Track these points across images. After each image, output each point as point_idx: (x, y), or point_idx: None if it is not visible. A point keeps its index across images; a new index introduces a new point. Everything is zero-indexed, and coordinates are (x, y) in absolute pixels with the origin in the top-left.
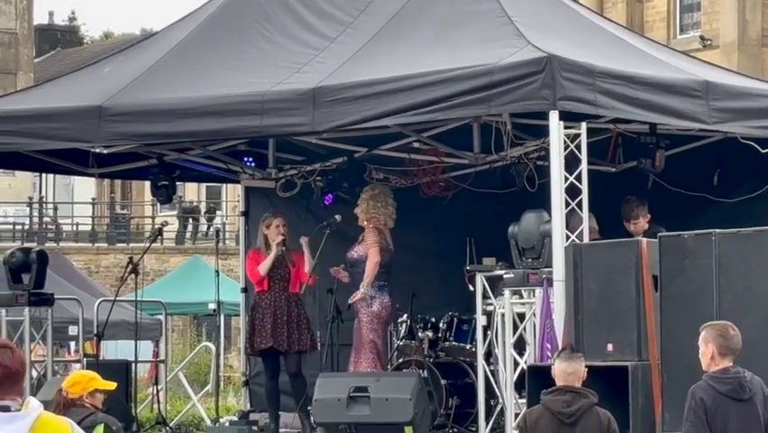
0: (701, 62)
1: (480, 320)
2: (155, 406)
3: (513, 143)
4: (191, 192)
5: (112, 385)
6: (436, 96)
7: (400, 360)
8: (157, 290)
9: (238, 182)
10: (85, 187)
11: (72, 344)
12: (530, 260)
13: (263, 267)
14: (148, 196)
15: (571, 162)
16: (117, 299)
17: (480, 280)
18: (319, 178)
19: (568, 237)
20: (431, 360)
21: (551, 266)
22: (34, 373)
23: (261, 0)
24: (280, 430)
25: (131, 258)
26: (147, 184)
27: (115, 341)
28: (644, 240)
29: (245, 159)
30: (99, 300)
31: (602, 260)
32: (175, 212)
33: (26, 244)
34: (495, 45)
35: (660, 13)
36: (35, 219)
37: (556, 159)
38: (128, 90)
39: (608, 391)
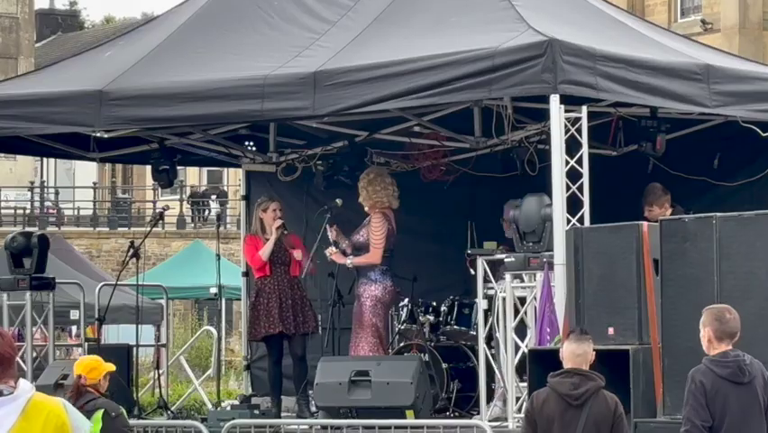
0: (702, 46)
1: (481, 304)
2: (156, 390)
3: (514, 127)
4: (192, 176)
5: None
6: (437, 80)
7: (401, 344)
8: (158, 275)
9: (239, 166)
10: (86, 171)
11: (73, 328)
12: (531, 243)
13: (264, 252)
14: (149, 180)
15: (572, 146)
16: (118, 283)
17: (480, 264)
18: (320, 162)
19: (569, 221)
20: (432, 344)
21: (552, 250)
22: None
23: None
24: (282, 414)
25: (132, 242)
26: (148, 168)
27: (117, 325)
28: (645, 223)
29: (246, 143)
30: (100, 285)
31: (603, 243)
32: (177, 196)
33: (27, 229)
34: (496, 29)
35: None
36: (36, 204)
37: (557, 142)
38: (129, 74)
39: (609, 375)
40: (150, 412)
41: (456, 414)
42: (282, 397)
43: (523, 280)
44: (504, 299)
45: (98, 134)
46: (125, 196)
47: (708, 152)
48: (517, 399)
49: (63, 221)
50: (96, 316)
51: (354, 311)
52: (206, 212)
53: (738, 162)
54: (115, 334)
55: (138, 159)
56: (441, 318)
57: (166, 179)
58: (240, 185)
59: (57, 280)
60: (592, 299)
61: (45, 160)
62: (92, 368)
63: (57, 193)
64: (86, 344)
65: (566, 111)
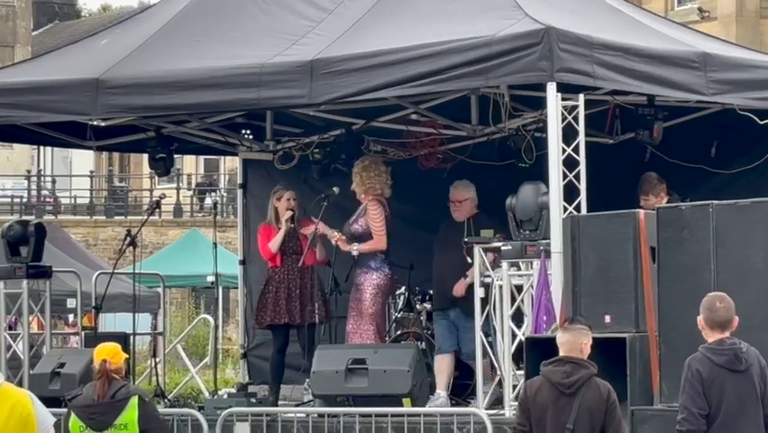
0: (699, 34)
1: (478, 292)
2: (153, 378)
3: (511, 115)
4: (189, 165)
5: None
6: (434, 69)
7: (398, 332)
8: (155, 263)
9: (236, 155)
10: (83, 159)
11: (70, 316)
12: (528, 232)
13: (274, 244)
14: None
15: (569, 134)
16: (115, 271)
17: (477, 252)
18: (317, 150)
19: (565, 209)
20: (429, 332)
21: (548, 238)
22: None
23: None
24: (279, 402)
25: (129, 231)
26: (145, 157)
27: (114, 313)
28: (642, 211)
29: (243, 131)
30: (97, 273)
31: (600, 231)
32: (174, 185)
33: (24, 217)
34: (492, 17)
35: None
36: (33, 192)
37: (554, 130)
38: (125, 63)
39: (605, 363)
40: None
41: (453, 402)
42: (280, 385)
43: (520, 269)
44: (501, 287)
45: (95, 123)
46: (122, 184)
47: (705, 140)
48: (514, 387)
49: (60, 209)
50: (93, 304)
51: (353, 299)
52: (209, 201)
53: (735, 150)
54: (112, 322)
55: (135, 147)
56: None
57: (163, 168)
58: (236, 173)
59: (54, 269)
60: (589, 287)
61: (42, 148)
62: (114, 353)
63: (54, 182)
64: (84, 332)
65: (563, 99)
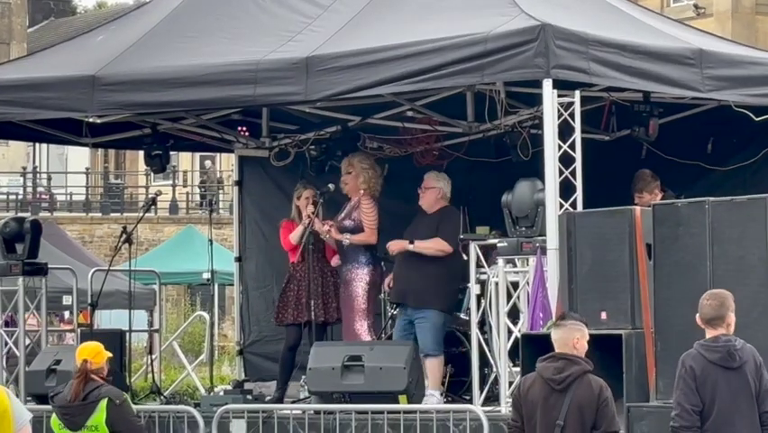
0: (695, 30)
1: (474, 289)
2: (149, 375)
3: (507, 112)
4: (185, 162)
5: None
6: (430, 65)
7: (394, 329)
8: (151, 260)
9: (232, 151)
10: (78, 156)
11: (66, 313)
12: (524, 228)
13: (294, 236)
14: (142, 165)
15: (565, 131)
16: (111, 268)
17: (473, 249)
18: (313, 147)
19: (561, 206)
20: None
21: (544, 235)
22: (28, 343)
23: None
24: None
25: (124, 228)
26: (141, 154)
27: (109, 311)
28: (638, 208)
29: (239, 128)
30: (93, 270)
31: (596, 228)
32: (169, 181)
33: (20, 214)
34: (488, 13)
35: None
36: (29, 189)
37: (550, 127)
38: (121, 59)
39: (601, 359)
40: (143, 398)
41: (449, 399)
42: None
43: (515, 265)
44: (497, 283)
45: (91, 119)
46: (118, 181)
47: (701, 136)
48: (510, 383)
49: (56, 206)
50: (89, 301)
51: (345, 296)
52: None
53: (732, 147)
54: (108, 319)
55: (131, 144)
56: None
57: (159, 165)
58: (233, 170)
59: (49, 266)
60: (585, 283)
61: (37, 145)
62: (96, 352)
63: (49, 179)
64: (79, 329)
65: (559, 96)
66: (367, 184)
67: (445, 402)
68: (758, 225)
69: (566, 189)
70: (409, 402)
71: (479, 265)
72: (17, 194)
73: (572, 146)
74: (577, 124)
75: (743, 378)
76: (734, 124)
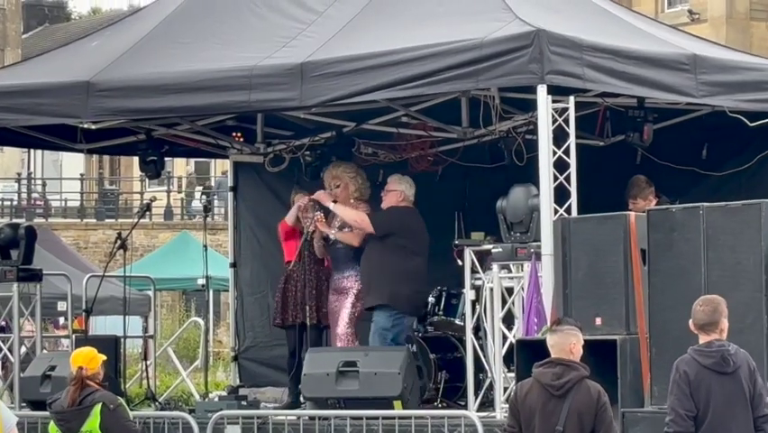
0: (689, 36)
1: (469, 295)
2: (144, 381)
3: (501, 118)
4: (180, 167)
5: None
6: (424, 71)
7: None
8: (146, 266)
9: (227, 157)
10: (73, 162)
11: (61, 319)
12: (518, 234)
13: (288, 217)
14: (136, 171)
15: (560, 136)
16: (106, 274)
17: (468, 254)
18: (308, 152)
19: (556, 211)
20: (420, 334)
21: (539, 240)
22: (23, 349)
23: None
24: (269, 405)
25: (119, 233)
26: (135, 159)
27: (104, 316)
28: (632, 213)
29: (233, 134)
30: (88, 276)
31: (591, 234)
32: (164, 187)
33: (15, 220)
34: (483, 19)
35: None
36: (24, 195)
37: (544, 133)
38: (116, 65)
39: (596, 365)
40: (138, 403)
41: (444, 405)
42: (269, 388)
43: (510, 271)
44: (491, 289)
45: (85, 125)
46: (113, 187)
47: (695, 142)
48: (505, 389)
49: (50, 212)
50: (84, 307)
51: (336, 304)
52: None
53: (726, 152)
54: (103, 325)
55: (125, 150)
56: (428, 309)
57: (153, 171)
58: (227, 176)
59: (44, 272)
60: (580, 289)
61: (32, 151)
62: (90, 358)
63: (44, 184)
64: (74, 335)
65: (553, 101)
66: (359, 192)
67: (440, 408)
68: (753, 230)
69: (561, 195)
70: (404, 408)
71: (473, 271)
72: (12, 200)
73: (567, 152)
74: (571, 130)
75: (737, 383)
76: (728, 130)
